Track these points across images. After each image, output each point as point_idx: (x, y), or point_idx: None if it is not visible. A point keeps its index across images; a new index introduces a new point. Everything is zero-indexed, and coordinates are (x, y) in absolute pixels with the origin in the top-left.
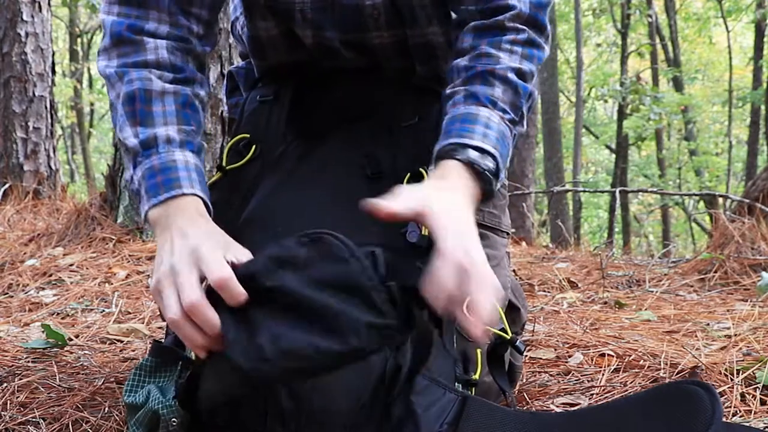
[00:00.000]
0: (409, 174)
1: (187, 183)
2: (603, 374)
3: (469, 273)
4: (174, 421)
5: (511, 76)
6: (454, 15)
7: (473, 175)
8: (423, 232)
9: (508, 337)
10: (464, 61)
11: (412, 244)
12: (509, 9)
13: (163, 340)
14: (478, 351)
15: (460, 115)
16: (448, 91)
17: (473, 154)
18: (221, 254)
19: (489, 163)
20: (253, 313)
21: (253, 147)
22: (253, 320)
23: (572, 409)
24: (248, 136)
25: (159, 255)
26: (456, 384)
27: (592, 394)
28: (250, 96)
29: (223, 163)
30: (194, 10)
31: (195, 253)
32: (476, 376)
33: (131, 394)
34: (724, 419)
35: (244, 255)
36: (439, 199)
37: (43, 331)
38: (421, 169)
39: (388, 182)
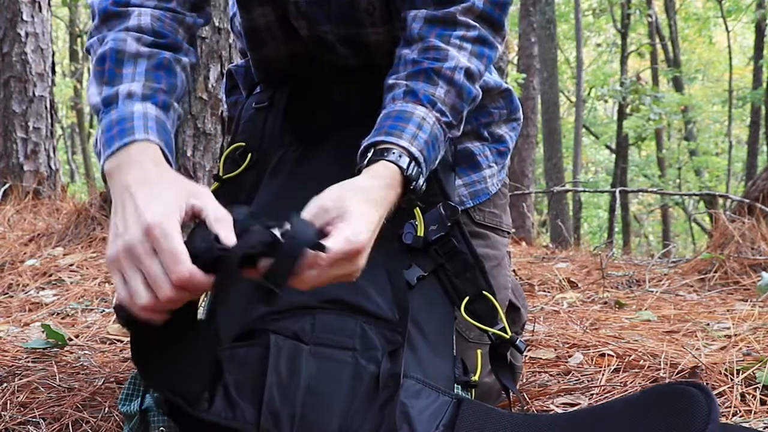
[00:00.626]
0: None
1: (141, 130)
2: (603, 374)
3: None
4: (162, 430)
5: (458, 77)
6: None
7: (399, 180)
8: (417, 233)
9: (508, 337)
10: (412, 54)
11: (407, 245)
12: (462, 2)
13: None
14: (479, 352)
15: (395, 112)
16: (390, 81)
17: (402, 159)
18: (176, 228)
19: (415, 169)
20: None
21: (249, 155)
22: None
23: (568, 410)
24: (244, 144)
25: (113, 221)
26: (455, 385)
27: (592, 394)
28: (246, 103)
29: (220, 173)
30: None
31: (150, 232)
32: (476, 378)
33: (126, 403)
34: (723, 419)
35: (204, 197)
36: (356, 207)
37: (43, 331)
38: None
39: None
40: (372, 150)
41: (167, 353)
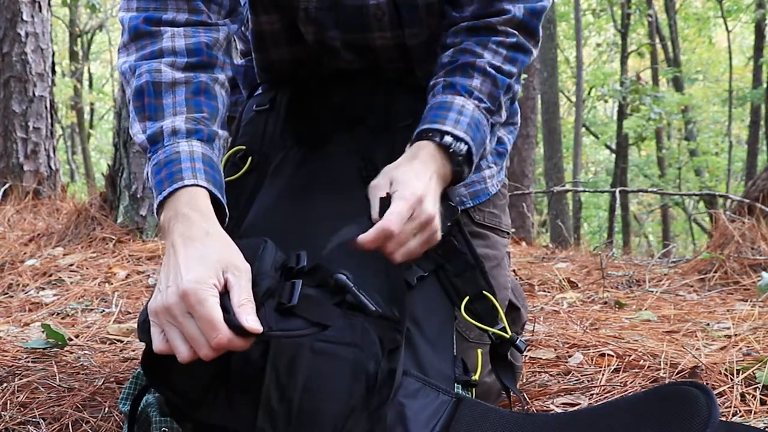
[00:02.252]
0: None
1: (189, 173)
2: (603, 374)
3: (415, 219)
4: (164, 430)
5: (491, 69)
6: (449, 16)
7: (444, 155)
8: None
9: (508, 336)
10: (447, 56)
11: None
12: (504, 13)
13: None
14: (479, 351)
15: (436, 104)
16: (430, 83)
17: (445, 138)
18: (211, 293)
19: (461, 147)
20: None
21: (249, 158)
22: None
23: (568, 410)
24: (245, 147)
25: (161, 273)
26: (455, 385)
27: (592, 394)
28: (246, 106)
29: None
30: None
31: (186, 298)
32: (476, 377)
33: (127, 402)
34: (723, 419)
35: (239, 273)
36: (405, 170)
37: (43, 331)
38: None
39: None
40: (420, 135)
41: (176, 360)
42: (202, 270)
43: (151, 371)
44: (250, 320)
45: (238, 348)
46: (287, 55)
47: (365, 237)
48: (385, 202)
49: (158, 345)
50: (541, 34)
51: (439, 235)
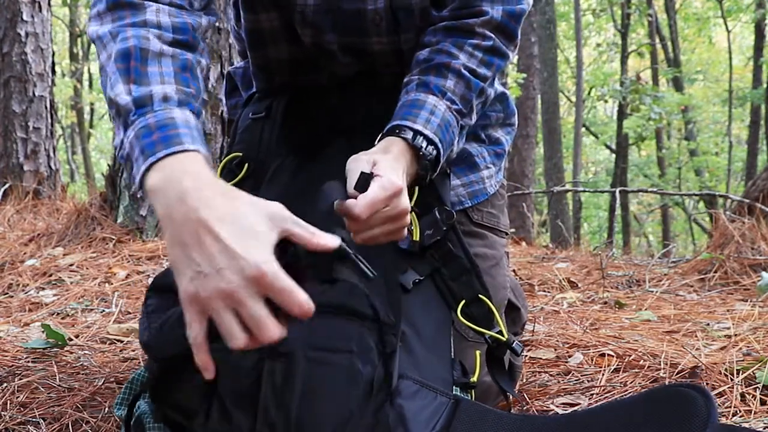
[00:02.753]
0: None
1: (188, 139)
2: (603, 374)
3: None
4: None
5: (465, 71)
6: (430, 15)
7: (413, 156)
8: (413, 238)
9: (505, 339)
10: (424, 54)
11: (403, 249)
12: (482, 14)
13: None
14: (477, 353)
15: (409, 101)
16: (405, 80)
17: (417, 139)
18: (279, 267)
19: (431, 150)
20: None
21: (246, 165)
22: None
23: (566, 412)
24: (241, 154)
25: (184, 255)
26: (454, 388)
27: (592, 394)
28: (243, 113)
29: None
30: None
31: (260, 280)
32: (474, 379)
33: (122, 407)
34: (723, 419)
35: (287, 218)
36: (384, 159)
37: (43, 331)
38: None
39: None
40: (391, 131)
41: (177, 378)
42: (260, 245)
43: (159, 392)
44: (329, 238)
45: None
46: (286, 54)
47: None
48: (365, 179)
49: (195, 332)
50: (519, 37)
51: (405, 232)
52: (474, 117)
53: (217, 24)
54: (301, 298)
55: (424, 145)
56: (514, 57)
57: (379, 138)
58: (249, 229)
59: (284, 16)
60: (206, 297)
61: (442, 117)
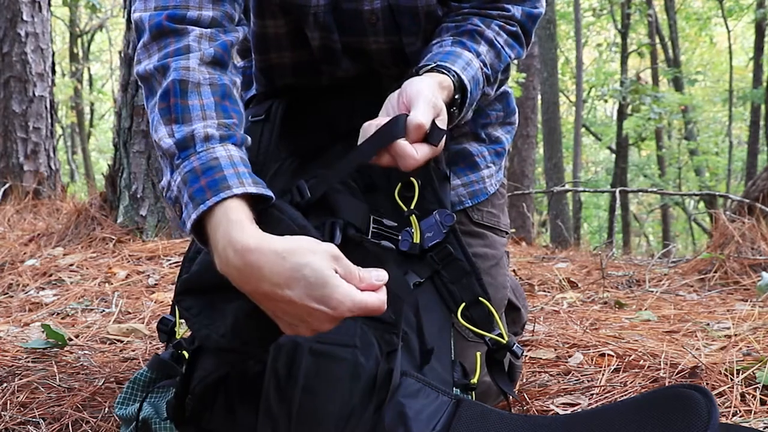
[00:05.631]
0: (400, 184)
1: (234, 181)
2: (603, 374)
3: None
4: None
5: (496, 42)
6: (449, 5)
7: (449, 93)
8: (414, 240)
9: (504, 342)
10: (452, 24)
11: (404, 252)
12: (504, 11)
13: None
14: (477, 354)
15: (445, 51)
16: (434, 41)
17: (450, 74)
18: (334, 277)
19: (458, 93)
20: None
21: None
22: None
23: (566, 412)
24: None
25: (262, 303)
26: (454, 389)
27: (592, 394)
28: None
29: None
30: None
31: (331, 314)
32: (474, 380)
33: (123, 406)
34: (723, 419)
35: (338, 257)
36: (421, 82)
37: (43, 331)
38: (411, 178)
39: (381, 193)
40: (425, 66)
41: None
42: (330, 287)
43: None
44: (376, 276)
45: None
46: (288, 59)
47: (404, 139)
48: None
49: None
50: (533, 39)
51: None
52: (494, 89)
53: None
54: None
55: (457, 77)
56: (524, 55)
57: (414, 69)
58: (314, 280)
59: (292, 22)
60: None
61: (475, 72)
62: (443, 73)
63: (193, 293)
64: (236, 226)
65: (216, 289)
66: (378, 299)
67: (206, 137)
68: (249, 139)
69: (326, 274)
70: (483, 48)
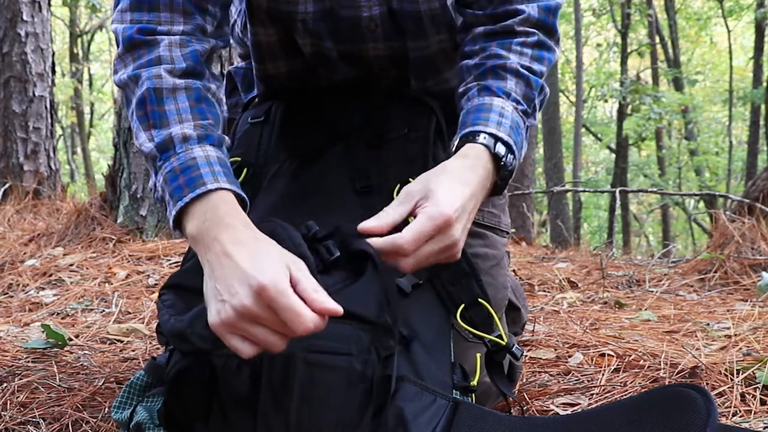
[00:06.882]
0: (398, 185)
1: (210, 178)
2: (603, 374)
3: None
4: None
5: (522, 70)
6: (461, 18)
7: (493, 164)
8: None
9: (504, 343)
10: (472, 61)
11: None
12: (519, 13)
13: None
14: (477, 355)
15: (475, 107)
16: (461, 89)
17: (488, 140)
18: (292, 290)
19: (502, 150)
20: None
21: (245, 170)
22: None
23: (566, 412)
24: (239, 159)
25: (211, 285)
26: (454, 391)
27: (592, 394)
28: (242, 118)
29: None
30: (209, 7)
31: (265, 293)
32: (474, 382)
33: (119, 410)
34: (723, 419)
35: (299, 262)
36: (445, 182)
37: (43, 331)
38: (410, 179)
39: (378, 195)
40: (463, 139)
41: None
42: (273, 266)
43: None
44: (331, 304)
45: (319, 329)
46: (284, 69)
47: (377, 242)
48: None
49: (247, 352)
50: (560, 31)
51: (458, 256)
52: (537, 117)
53: None
54: (305, 319)
55: (502, 151)
56: (559, 52)
57: (453, 148)
58: (266, 255)
59: (282, 30)
60: (227, 324)
61: (511, 119)
62: (480, 142)
63: (175, 290)
64: (226, 226)
65: (197, 292)
66: (310, 316)
67: (184, 138)
68: (227, 138)
69: (278, 259)
70: (510, 83)
